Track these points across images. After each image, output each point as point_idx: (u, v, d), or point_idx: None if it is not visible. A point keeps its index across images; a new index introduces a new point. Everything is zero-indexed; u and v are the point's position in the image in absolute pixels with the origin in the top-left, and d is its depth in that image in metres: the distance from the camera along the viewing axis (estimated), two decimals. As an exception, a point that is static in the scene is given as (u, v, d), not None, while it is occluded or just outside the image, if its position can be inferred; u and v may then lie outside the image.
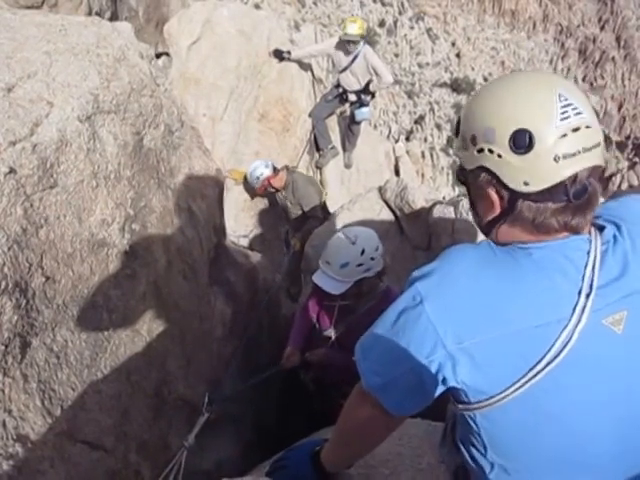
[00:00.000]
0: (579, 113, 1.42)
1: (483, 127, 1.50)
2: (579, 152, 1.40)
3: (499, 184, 1.51)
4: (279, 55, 9.23)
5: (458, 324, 1.46)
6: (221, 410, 3.39)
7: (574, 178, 1.42)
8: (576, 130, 1.40)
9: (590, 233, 1.53)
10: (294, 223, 7.81)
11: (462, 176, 1.70)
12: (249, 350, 4.38)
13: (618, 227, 1.57)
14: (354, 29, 8.55)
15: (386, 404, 1.66)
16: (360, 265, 3.46)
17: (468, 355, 1.44)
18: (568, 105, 1.41)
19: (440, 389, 1.56)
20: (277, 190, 7.83)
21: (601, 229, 1.56)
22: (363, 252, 3.45)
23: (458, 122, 1.66)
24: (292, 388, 4.96)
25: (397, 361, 1.57)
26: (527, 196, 1.47)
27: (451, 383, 1.51)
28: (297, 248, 7.16)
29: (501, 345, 1.43)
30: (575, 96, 1.44)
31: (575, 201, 1.43)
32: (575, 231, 1.50)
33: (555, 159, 1.40)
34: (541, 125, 1.41)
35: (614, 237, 1.53)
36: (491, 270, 1.50)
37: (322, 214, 7.41)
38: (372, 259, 3.47)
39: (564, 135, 1.40)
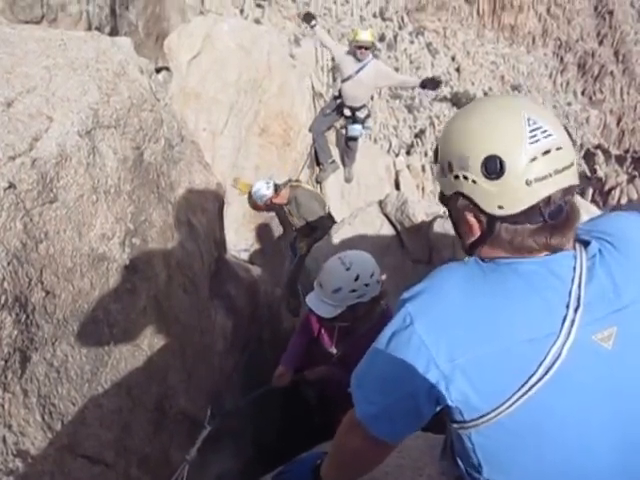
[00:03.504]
0: (549, 135, 1.44)
1: (457, 155, 1.54)
2: (550, 175, 1.43)
3: (476, 209, 1.53)
4: (309, 19, 9.04)
5: (450, 341, 1.45)
6: (222, 424, 3.38)
7: (548, 199, 1.44)
8: (547, 153, 1.43)
9: (575, 248, 1.54)
10: (301, 230, 7.80)
11: (443, 201, 1.73)
12: (250, 364, 4.38)
13: (604, 242, 1.58)
14: (367, 35, 8.54)
15: (380, 433, 1.65)
16: (353, 291, 3.40)
17: (461, 372, 1.44)
18: (537, 129, 1.44)
19: (435, 409, 1.57)
20: (281, 206, 7.78)
21: (586, 245, 1.57)
22: (357, 278, 3.39)
23: (436, 149, 1.69)
24: (293, 402, 4.95)
25: (391, 386, 1.57)
26: (504, 219, 1.49)
27: (446, 402, 1.50)
28: (303, 252, 7.19)
29: (493, 361, 1.43)
30: (544, 119, 1.47)
31: (551, 221, 1.46)
32: (556, 250, 1.52)
33: (527, 183, 1.42)
34: (511, 150, 1.44)
35: (600, 252, 1.54)
36: (480, 286, 1.51)
37: (329, 223, 7.39)
38: (366, 285, 3.41)
39: (534, 159, 1.42)
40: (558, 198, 1.45)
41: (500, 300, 1.47)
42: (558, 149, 1.44)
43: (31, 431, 2.23)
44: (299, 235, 7.91)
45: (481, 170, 1.46)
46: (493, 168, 1.44)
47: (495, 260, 1.55)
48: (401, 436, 1.70)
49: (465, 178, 1.51)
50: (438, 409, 1.57)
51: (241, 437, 4.30)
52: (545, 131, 1.44)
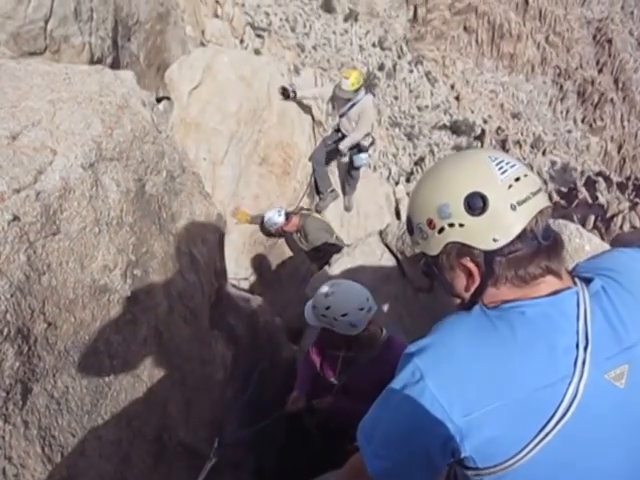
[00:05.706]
0: (513, 166, 1.55)
1: (436, 208, 1.58)
2: (529, 197, 1.50)
3: (471, 252, 1.56)
4: (286, 93, 9.25)
5: (463, 397, 1.43)
6: (223, 455, 3.37)
7: (535, 221, 1.50)
8: (518, 180, 1.52)
9: (576, 284, 1.55)
10: (311, 255, 7.98)
11: (430, 269, 1.78)
12: (250, 394, 4.36)
13: (607, 279, 1.58)
14: (347, 85, 8.55)
15: None
16: (323, 316, 3.58)
17: (477, 426, 1.42)
18: (501, 162, 1.55)
19: (449, 460, 1.53)
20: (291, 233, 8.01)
21: (588, 282, 1.57)
22: (328, 308, 3.54)
23: (408, 220, 1.74)
24: (294, 433, 4.92)
25: (403, 442, 1.54)
26: (501, 253, 1.52)
27: (461, 455, 1.47)
28: (316, 272, 7.18)
29: (509, 412, 1.41)
30: (503, 155, 1.59)
31: (544, 242, 1.51)
32: (558, 275, 1.54)
33: (512, 207, 1.49)
34: (487, 183, 1.52)
35: (603, 289, 1.54)
36: (488, 337, 1.49)
37: (335, 249, 7.45)
38: (335, 319, 3.53)
39: (510, 186, 1.51)
40: (544, 219, 1.52)
41: (511, 349, 1.45)
42: (525, 176, 1.54)
43: (31, 463, 2.22)
44: (311, 259, 8.11)
45: (466, 210, 1.52)
46: (477, 204, 1.50)
47: (500, 306, 1.55)
48: None
49: (451, 225, 1.55)
50: (452, 460, 1.53)
51: (242, 467, 4.28)
52: (508, 163, 1.55)
